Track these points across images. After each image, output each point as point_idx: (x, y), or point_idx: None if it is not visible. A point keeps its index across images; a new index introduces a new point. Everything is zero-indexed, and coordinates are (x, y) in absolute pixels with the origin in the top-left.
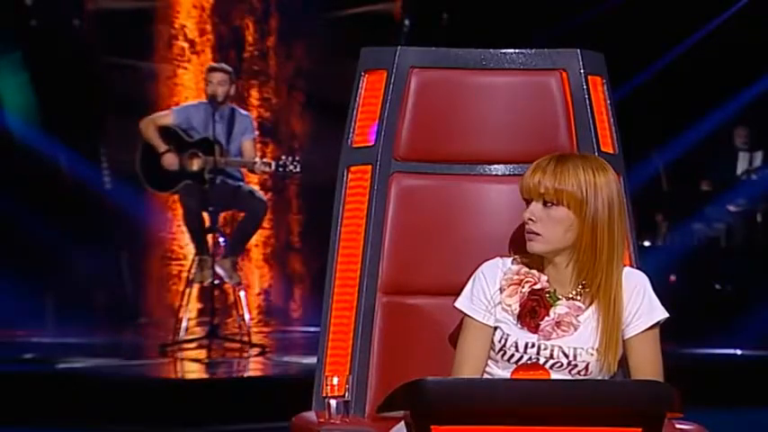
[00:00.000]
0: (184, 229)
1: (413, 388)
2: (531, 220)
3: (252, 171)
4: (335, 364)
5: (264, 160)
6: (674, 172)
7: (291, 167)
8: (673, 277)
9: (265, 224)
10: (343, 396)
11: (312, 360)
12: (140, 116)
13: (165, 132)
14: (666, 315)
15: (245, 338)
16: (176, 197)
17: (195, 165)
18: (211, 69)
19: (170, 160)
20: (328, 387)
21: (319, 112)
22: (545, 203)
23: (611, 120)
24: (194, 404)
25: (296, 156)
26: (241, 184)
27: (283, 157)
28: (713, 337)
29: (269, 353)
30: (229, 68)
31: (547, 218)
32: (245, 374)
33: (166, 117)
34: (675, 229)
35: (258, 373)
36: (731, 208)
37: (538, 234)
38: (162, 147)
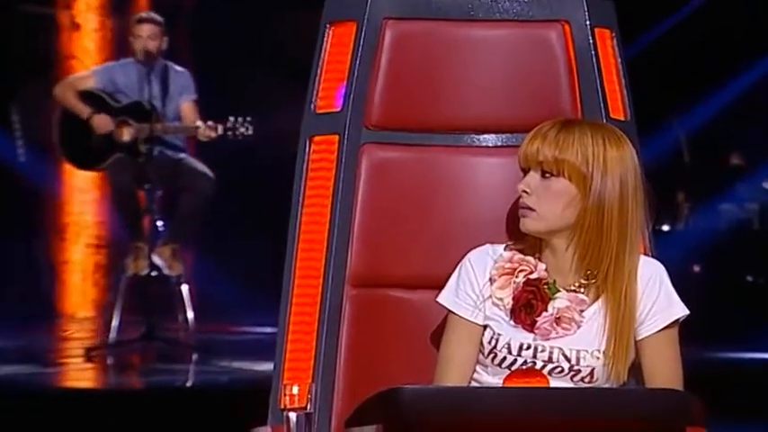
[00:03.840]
0: (115, 210)
1: (387, 398)
2: (525, 192)
3: (195, 137)
4: (295, 370)
5: (209, 123)
6: (698, 143)
7: (243, 129)
8: (696, 267)
9: (212, 204)
10: (305, 408)
11: (268, 366)
12: (60, 75)
13: (87, 98)
14: (687, 312)
15: (188, 341)
16: (106, 173)
17: (126, 134)
18: (139, 20)
19: (101, 122)
20: (287, 397)
21: (276, 71)
22: (543, 174)
23: (623, 80)
24: (127, 418)
25: (246, 116)
26: (183, 156)
27: (231, 119)
28: (744, 338)
29: (216, 358)
30: (160, 18)
31: (543, 191)
32: (188, 383)
33: (87, 80)
34: (699, 211)
35: (203, 382)
36: (766, 185)
37: (532, 209)
38: (85, 111)
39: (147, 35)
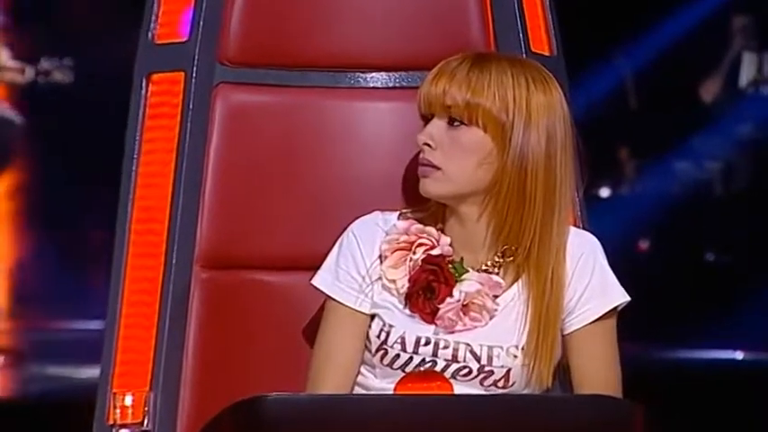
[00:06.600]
0: None
1: (246, 410)
2: (427, 145)
3: None
4: (129, 375)
5: (15, 63)
6: (647, 84)
7: (60, 76)
8: (643, 243)
9: (18, 163)
10: (141, 423)
11: (93, 371)
12: None
13: None
14: (627, 298)
15: None
16: None
17: None
18: None
19: None
20: (117, 410)
21: None
22: (451, 122)
23: (547, 4)
24: None
25: (63, 58)
26: None
27: (44, 60)
28: (701, 332)
29: (27, 361)
30: None
31: (451, 143)
32: None
33: None
34: (648, 171)
35: (12, 392)
36: (731, 137)
37: (435, 167)
38: None
39: None
